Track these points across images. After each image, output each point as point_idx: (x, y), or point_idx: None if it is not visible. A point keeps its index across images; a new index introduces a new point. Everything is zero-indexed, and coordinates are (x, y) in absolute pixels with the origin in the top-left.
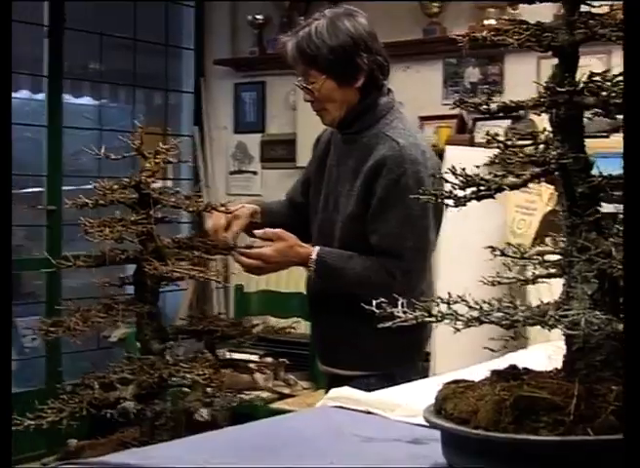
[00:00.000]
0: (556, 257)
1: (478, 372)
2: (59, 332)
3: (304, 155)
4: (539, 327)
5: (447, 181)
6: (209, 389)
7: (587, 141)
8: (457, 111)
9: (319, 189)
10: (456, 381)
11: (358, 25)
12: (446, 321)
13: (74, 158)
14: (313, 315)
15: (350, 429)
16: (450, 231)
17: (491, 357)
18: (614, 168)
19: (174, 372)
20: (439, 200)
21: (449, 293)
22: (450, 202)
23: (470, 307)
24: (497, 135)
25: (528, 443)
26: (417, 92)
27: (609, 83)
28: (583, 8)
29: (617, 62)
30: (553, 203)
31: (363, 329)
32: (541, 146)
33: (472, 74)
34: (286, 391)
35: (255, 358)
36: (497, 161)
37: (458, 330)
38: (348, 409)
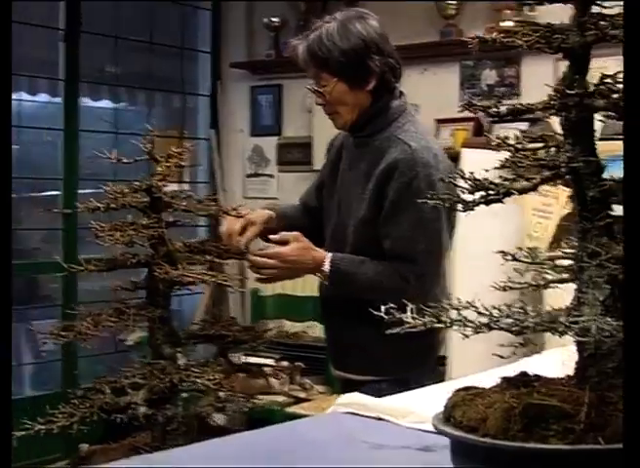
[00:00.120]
0: (569, 262)
1: (494, 377)
2: (69, 337)
3: (321, 158)
4: None
5: (456, 185)
6: (221, 394)
7: (601, 144)
8: (474, 114)
9: (332, 193)
10: (465, 388)
11: (369, 28)
12: (455, 327)
13: (90, 161)
14: (325, 320)
15: (360, 435)
16: (467, 234)
17: (508, 361)
18: None
19: (184, 377)
20: (447, 204)
21: (458, 299)
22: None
23: (480, 313)
24: (506, 138)
25: (537, 451)
26: (433, 94)
27: (620, 85)
28: (595, 9)
29: None
30: (570, 206)
31: (375, 333)
32: (553, 150)
33: (489, 76)
34: (302, 395)
35: (270, 362)
36: (507, 164)
37: (466, 336)
38: (359, 414)
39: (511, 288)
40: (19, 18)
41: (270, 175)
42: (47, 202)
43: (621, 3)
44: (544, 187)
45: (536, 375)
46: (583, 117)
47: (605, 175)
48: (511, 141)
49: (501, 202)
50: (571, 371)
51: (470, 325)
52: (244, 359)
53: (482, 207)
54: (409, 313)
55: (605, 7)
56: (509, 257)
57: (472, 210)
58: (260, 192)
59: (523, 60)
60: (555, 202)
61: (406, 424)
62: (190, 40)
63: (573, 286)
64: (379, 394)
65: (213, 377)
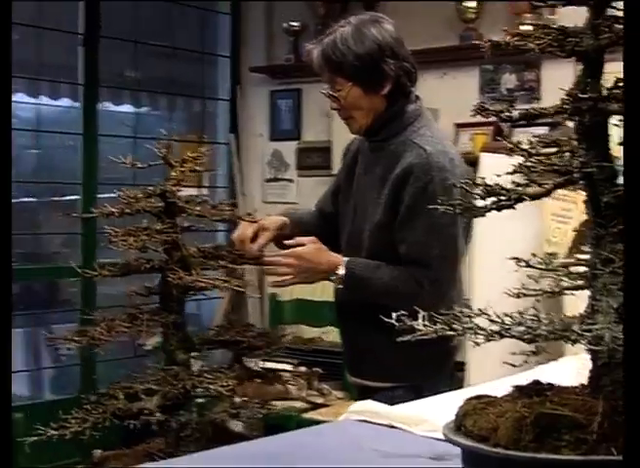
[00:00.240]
0: (583, 269)
1: (510, 385)
2: (82, 342)
3: (340, 163)
4: None
5: (467, 191)
6: (237, 400)
7: (618, 149)
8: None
9: (348, 198)
10: (477, 397)
11: (384, 32)
12: (465, 336)
13: (112, 166)
14: (341, 326)
15: (371, 444)
16: (486, 239)
17: (525, 368)
18: None
19: (197, 384)
20: (457, 211)
21: (469, 307)
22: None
23: (491, 321)
24: (519, 142)
25: (548, 462)
26: (453, 98)
27: None
28: (610, 12)
29: None
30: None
31: (390, 340)
32: (567, 155)
33: (509, 81)
34: (319, 401)
35: (288, 367)
36: (519, 170)
37: (477, 344)
38: (371, 422)
39: (525, 295)
40: (39, 22)
41: (290, 180)
42: (68, 206)
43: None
44: (563, 192)
45: (548, 384)
46: (597, 121)
47: (620, 181)
48: (525, 146)
49: (513, 208)
50: (585, 380)
51: (481, 333)
52: (261, 364)
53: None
54: (420, 320)
55: (620, 9)
56: (523, 264)
57: (483, 216)
58: (280, 197)
59: (543, 64)
60: (574, 207)
61: (418, 432)
62: (210, 44)
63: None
64: (394, 401)
65: (226, 384)
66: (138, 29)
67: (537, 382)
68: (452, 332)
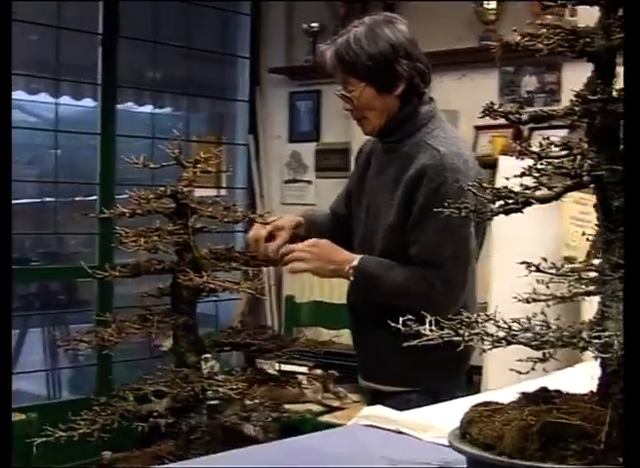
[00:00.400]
0: (594, 274)
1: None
2: (92, 343)
3: (353, 165)
4: None
5: (475, 194)
6: (249, 402)
7: None
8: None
9: (360, 200)
10: (483, 403)
11: (398, 32)
12: (472, 342)
13: (130, 166)
14: (354, 329)
15: (378, 450)
16: (505, 242)
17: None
18: None
19: (206, 386)
20: (463, 214)
21: (477, 313)
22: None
23: (499, 327)
24: (529, 145)
25: None
26: (472, 100)
27: None
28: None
29: None
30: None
31: (402, 343)
32: (579, 157)
33: (529, 83)
34: (335, 404)
35: (304, 370)
36: (527, 172)
37: (483, 350)
38: (380, 428)
39: (535, 300)
40: (59, 22)
41: (308, 182)
42: (89, 206)
43: None
44: (582, 195)
45: (556, 391)
46: (608, 124)
47: None
48: (534, 149)
49: (521, 211)
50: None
51: (487, 339)
52: (276, 367)
53: (524, 213)
54: (427, 325)
55: None
56: (533, 268)
57: (490, 219)
58: (298, 198)
59: (564, 67)
60: (593, 210)
61: (427, 439)
62: (230, 45)
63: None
64: (407, 405)
65: (235, 386)
66: (158, 30)
67: (544, 389)
68: (458, 338)
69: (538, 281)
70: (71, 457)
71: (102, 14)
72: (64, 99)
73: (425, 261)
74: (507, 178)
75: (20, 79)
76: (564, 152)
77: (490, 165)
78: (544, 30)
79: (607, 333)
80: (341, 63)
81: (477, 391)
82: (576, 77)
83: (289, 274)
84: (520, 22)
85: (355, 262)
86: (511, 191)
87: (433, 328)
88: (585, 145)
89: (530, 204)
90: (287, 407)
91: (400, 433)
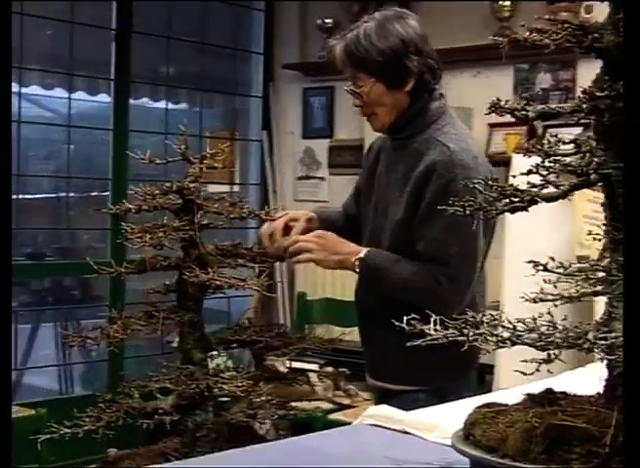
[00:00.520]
0: (602, 274)
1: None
2: (97, 340)
3: (363, 162)
4: None
5: (480, 192)
6: (256, 400)
7: None
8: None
9: (369, 197)
10: (488, 404)
11: (408, 28)
12: (476, 342)
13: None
14: (361, 328)
15: (382, 450)
16: (517, 241)
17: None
18: None
19: (212, 384)
20: (467, 212)
21: (482, 313)
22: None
23: (503, 327)
24: (537, 142)
25: None
26: (487, 98)
27: None
28: None
29: None
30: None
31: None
32: (587, 155)
33: (544, 80)
34: (346, 402)
35: (315, 367)
36: (534, 170)
37: (488, 351)
38: (385, 427)
39: (542, 300)
40: (72, 17)
41: (321, 178)
42: (103, 202)
43: None
44: (595, 194)
45: (562, 393)
46: (616, 121)
47: None
48: (540, 146)
49: (526, 210)
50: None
51: (491, 339)
52: (287, 364)
53: (536, 211)
54: (432, 324)
55: None
56: (540, 268)
57: (494, 217)
58: (311, 195)
59: (579, 64)
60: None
61: (432, 439)
62: (243, 41)
63: None
64: (415, 405)
65: (241, 384)
66: (171, 25)
67: (550, 391)
68: (462, 338)
69: (545, 281)
70: (78, 454)
71: (116, 9)
72: (80, 95)
73: (432, 258)
74: (514, 176)
75: (34, 74)
76: (572, 150)
77: (504, 162)
78: (550, 25)
79: (613, 335)
80: (351, 59)
81: (489, 390)
82: (591, 74)
83: (297, 266)
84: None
85: (362, 254)
86: (517, 189)
87: (438, 327)
88: (594, 143)
89: (535, 202)
90: (297, 404)
91: (405, 433)
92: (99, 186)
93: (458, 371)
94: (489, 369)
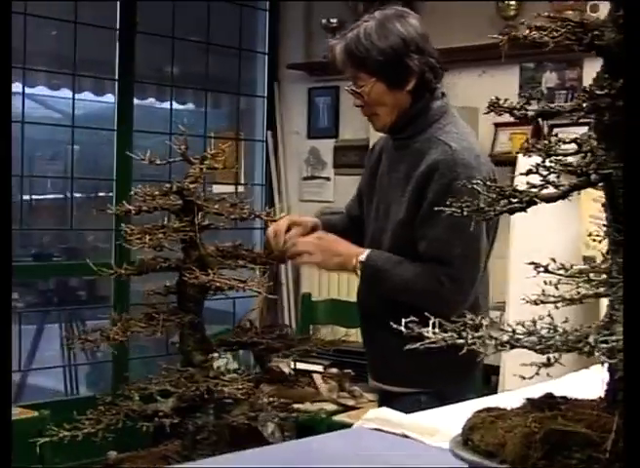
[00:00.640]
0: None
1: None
2: (97, 342)
3: (365, 163)
4: None
5: (479, 192)
6: (259, 402)
7: None
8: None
9: (371, 198)
10: (487, 409)
11: (409, 26)
12: (474, 346)
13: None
14: (363, 329)
15: (381, 454)
16: (523, 241)
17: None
18: None
19: (212, 386)
20: (464, 213)
21: (482, 316)
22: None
23: (502, 330)
24: (536, 142)
25: None
26: (492, 97)
27: None
28: None
29: None
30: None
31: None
32: (589, 155)
33: (550, 79)
34: (350, 403)
35: (319, 368)
36: (534, 170)
37: (486, 355)
38: (385, 431)
39: (543, 302)
40: (76, 18)
41: (327, 178)
42: (109, 202)
43: None
44: (600, 193)
45: (562, 397)
46: (617, 120)
47: None
48: (540, 146)
49: (525, 211)
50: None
51: (490, 343)
52: (292, 365)
53: (542, 211)
54: (430, 327)
55: None
56: (541, 269)
57: (491, 219)
58: (316, 195)
59: (585, 63)
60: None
61: (433, 443)
62: (248, 41)
63: None
64: (417, 407)
65: (242, 386)
66: (176, 26)
67: (550, 395)
68: (460, 341)
69: (545, 282)
70: (82, 455)
71: (120, 9)
72: (86, 95)
73: (434, 258)
74: (512, 178)
75: (41, 74)
76: (573, 149)
77: (510, 162)
78: (549, 22)
79: (614, 338)
80: (351, 59)
81: (494, 391)
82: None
83: (302, 267)
84: (541, 18)
85: (363, 256)
86: (516, 190)
87: (437, 330)
88: (595, 142)
89: (535, 203)
90: (301, 406)
91: (405, 437)
92: (105, 187)
93: (461, 373)
94: (494, 369)
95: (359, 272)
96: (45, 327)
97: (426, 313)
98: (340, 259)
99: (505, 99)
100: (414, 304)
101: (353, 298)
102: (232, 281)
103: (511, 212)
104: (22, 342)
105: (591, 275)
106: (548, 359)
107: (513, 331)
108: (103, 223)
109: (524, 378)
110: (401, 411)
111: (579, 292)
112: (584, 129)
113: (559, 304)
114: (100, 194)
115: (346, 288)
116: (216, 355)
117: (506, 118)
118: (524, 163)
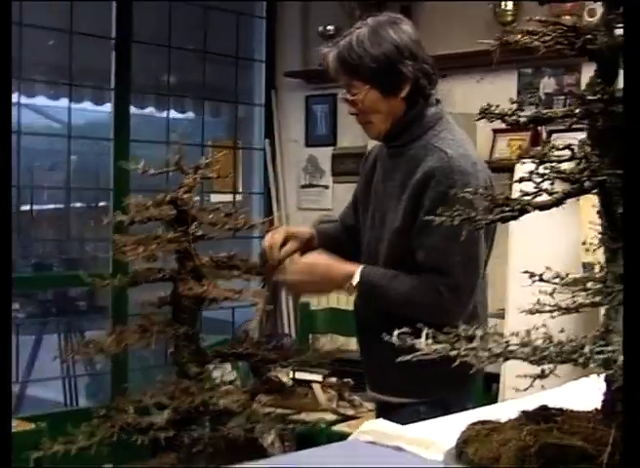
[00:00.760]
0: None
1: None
2: (91, 354)
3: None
4: None
5: (471, 201)
6: (255, 414)
7: None
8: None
9: (367, 208)
10: (482, 422)
11: (402, 33)
12: (467, 358)
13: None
14: (360, 340)
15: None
16: (523, 248)
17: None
18: None
19: (207, 399)
20: (455, 222)
21: (476, 327)
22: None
23: (495, 341)
24: (531, 148)
25: None
26: (490, 103)
27: None
28: None
29: None
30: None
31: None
32: (583, 161)
33: (548, 84)
34: (350, 412)
35: (319, 378)
36: (526, 178)
37: (478, 367)
38: (380, 444)
39: (538, 311)
40: (72, 27)
41: (325, 186)
42: (108, 212)
43: None
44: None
45: (558, 409)
46: (611, 126)
47: None
48: (533, 153)
49: (516, 219)
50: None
51: (482, 354)
52: (291, 375)
53: (542, 217)
54: (423, 339)
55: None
56: (536, 278)
57: (482, 228)
58: (315, 203)
59: (583, 68)
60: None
61: (429, 456)
62: (245, 49)
63: None
64: (416, 417)
65: (237, 398)
66: (172, 34)
67: (545, 407)
68: (454, 352)
69: (540, 291)
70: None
71: (116, 18)
72: (86, 105)
73: (433, 268)
74: (511, 185)
75: (40, 85)
76: (567, 156)
77: (508, 168)
78: (541, 26)
79: (610, 348)
80: (344, 66)
81: (495, 400)
82: None
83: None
84: (538, 24)
85: (356, 278)
86: (508, 198)
87: (429, 341)
88: (589, 149)
89: (527, 211)
90: (299, 416)
91: (401, 450)
92: (104, 197)
93: (459, 383)
94: (495, 377)
95: (356, 293)
96: (43, 337)
97: (426, 324)
98: (335, 284)
99: (497, 106)
100: (414, 317)
101: (352, 307)
102: (227, 292)
103: (504, 220)
104: (21, 353)
105: (588, 284)
106: (543, 371)
107: (507, 343)
108: (102, 233)
109: (517, 390)
110: (400, 422)
111: (574, 302)
112: (584, 134)
113: (555, 313)
114: (101, 204)
115: (345, 297)
116: (211, 367)
117: (505, 124)
118: (522, 170)
